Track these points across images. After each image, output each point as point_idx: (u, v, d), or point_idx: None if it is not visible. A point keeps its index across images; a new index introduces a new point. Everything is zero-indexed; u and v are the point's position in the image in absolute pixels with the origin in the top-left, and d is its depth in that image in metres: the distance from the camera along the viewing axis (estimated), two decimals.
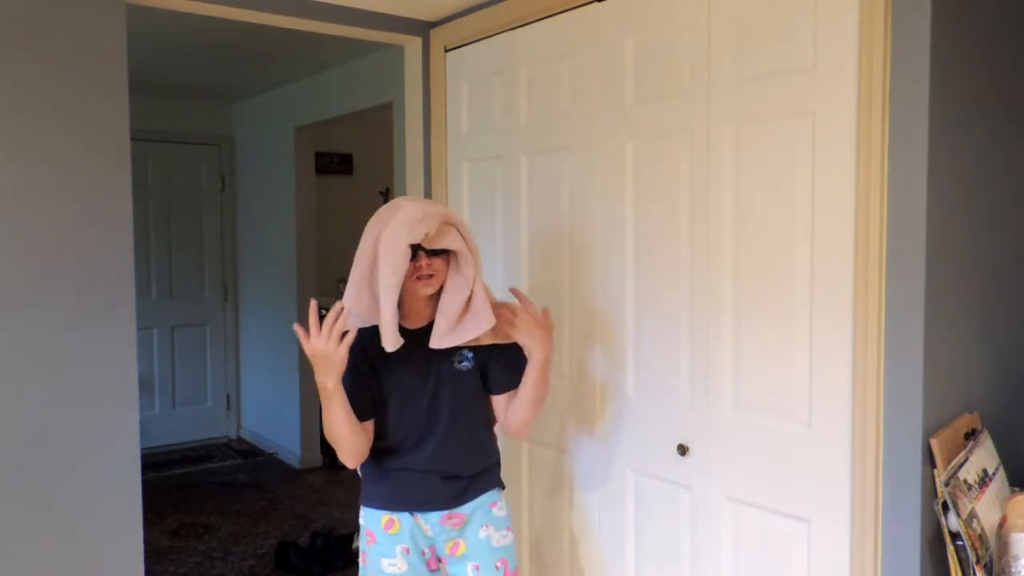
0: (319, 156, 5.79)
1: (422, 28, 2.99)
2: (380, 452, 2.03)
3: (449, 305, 1.91)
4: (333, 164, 6.39)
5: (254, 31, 3.37)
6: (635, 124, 2.25)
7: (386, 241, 1.81)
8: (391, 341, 1.85)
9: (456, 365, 2.00)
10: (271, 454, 5.67)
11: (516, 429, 2.06)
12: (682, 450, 2.15)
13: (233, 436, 6.09)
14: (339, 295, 6.16)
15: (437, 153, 2.98)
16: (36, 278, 2.27)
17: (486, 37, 2.76)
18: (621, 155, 2.29)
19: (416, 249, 1.84)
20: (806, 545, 1.90)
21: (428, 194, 3.03)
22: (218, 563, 3.89)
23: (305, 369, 5.36)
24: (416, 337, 1.95)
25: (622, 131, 2.28)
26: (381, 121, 4.79)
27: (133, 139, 2.42)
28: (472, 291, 1.91)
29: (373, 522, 2.06)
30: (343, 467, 5.43)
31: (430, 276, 1.88)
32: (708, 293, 2.08)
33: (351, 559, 3.87)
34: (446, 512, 2.03)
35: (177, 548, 4.06)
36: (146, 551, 2.54)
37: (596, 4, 2.35)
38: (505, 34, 2.68)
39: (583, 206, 2.43)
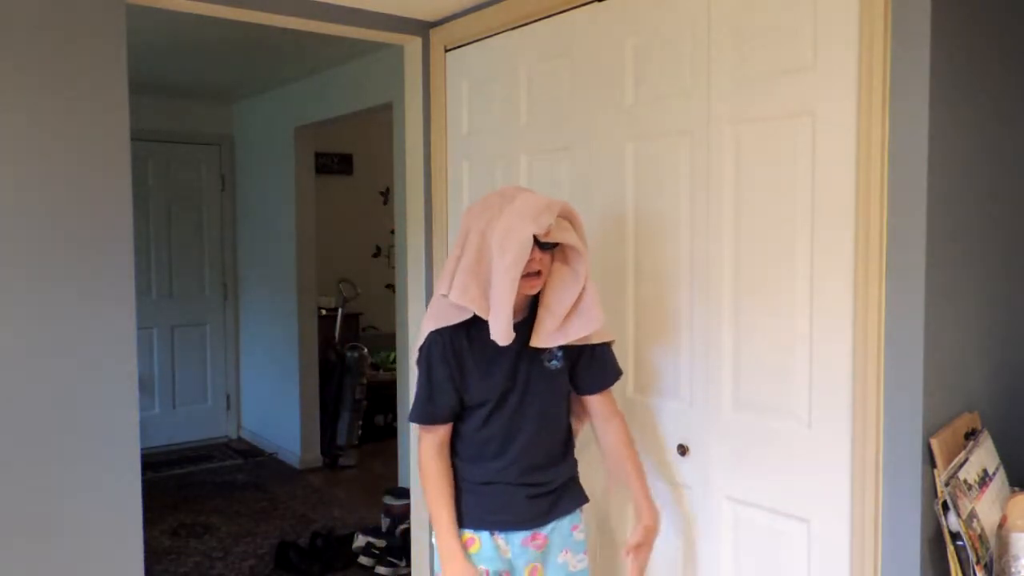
0: (319, 156, 5.80)
1: (422, 28, 2.99)
2: (460, 462, 1.91)
3: (558, 303, 1.80)
4: (333, 164, 6.40)
5: (254, 31, 3.37)
6: (635, 124, 2.25)
7: (505, 230, 1.69)
8: (504, 335, 1.71)
9: (546, 364, 1.88)
10: (271, 454, 5.67)
11: (598, 443, 2.04)
12: (682, 450, 2.15)
13: (233, 436, 6.09)
14: (339, 295, 6.09)
15: (437, 153, 2.98)
16: (36, 278, 2.27)
17: (486, 37, 2.76)
18: (621, 155, 2.29)
19: (532, 242, 1.72)
20: (806, 545, 1.90)
21: (428, 194, 3.03)
22: (218, 563, 3.89)
23: (305, 369, 5.37)
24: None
25: (622, 131, 2.28)
26: (381, 121, 4.79)
27: (133, 139, 2.42)
28: (583, 288, 1.80)
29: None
30: (343, 467, 5.43)
31: (538, 273, 1.77)
32: (708, 293, 2.08)
33: (351, 559, 3.88)
34: (530, 532, 1.90)
35: (177, 548, 4.06)
36: (146, 551, 2.53)
37: (596, 4, 2.35)
38: (505, 34, 2.68)
39: (583, 206, 2.42)
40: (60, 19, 2.26)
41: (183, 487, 5.01)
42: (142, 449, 2.50)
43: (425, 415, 1.86)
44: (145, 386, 5.58)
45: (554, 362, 1.89)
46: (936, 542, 1.71)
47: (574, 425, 2.08)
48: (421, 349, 1.88)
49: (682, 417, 2.16)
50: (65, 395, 2.31)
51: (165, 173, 5.71)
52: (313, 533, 4.03)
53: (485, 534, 1.89)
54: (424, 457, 1.87)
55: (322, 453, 5.47)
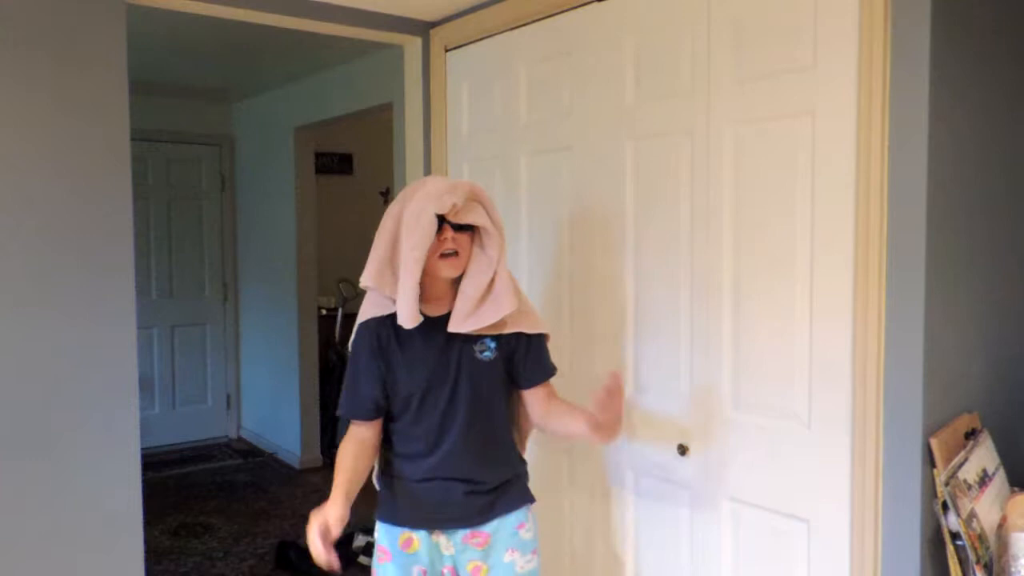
0: (319, 156, 5.79)
1: (422, 28, 2.99)
2: (397, 459, 1.90)
3: (471, 287, 1.79)
4: (333, 164, 6.39)
5: (254, 31, 3.37)
6: (635, 124, 2.25)
7: (411, 212, 1.71)
8: (409, 317, 1.72)
9: (477, 355, 1.85)
10: (271, 454, 5.66)
11: (545, 430, 1.98)
12: (682, 450, 2.15)
13: (233, 436, 6.09)
14: (339, 295, 6.09)
15: (437, 153, 2.98)
16: (36, 278, 2.27)
17: (486, 37, 2.76)
18: (621, 155, 2.29)
19: (441, 223, 1.73)
20: (806, 545, 1.90)
21: None
22: (218, 563, 3.89)
23: (305, 369, 5.37)
24: (435, 325, 1.82)
25: (622, 131, 2.28)
26: (381, 121, 4.78)
27: (133, 139, 2.42)
28: (495, 272, 1.80)
29: (389, 539, 1.91)
30: None
31: (455, 253, 1.76)
32: (708, 293, 2.08)
33: (351, 559, 3.87)
34: (470, 530, 1.89)
35: (177, 548, 4.06)
36: (146, 551, 2.53)
37: (596, 4, 2.35)
38: (505, 34, 2.68)
39: (583, 206, 2.43)
40: (60, 19, 2.27)
41: (183, 487, 5.01)
42: (142, 449, 2.50)
43: (347, 407, 1.87)
44: (145, 386, 5.57)
45: (486, 353, 1.86)
46: (936, 542, 1.71)
47: (522, 423, 2.04)
48: (352, 341, 1.89)
49: (682, 417, 2.16)
50: (65, 395, 2.31)
51: (165, 173, 5.71)
52: None
53: (423, 533, 1.89)
54: (341, 447, 1.87)
55: (322, 453, 5.47)
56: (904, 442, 1.70)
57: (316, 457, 5.45)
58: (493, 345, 1.87)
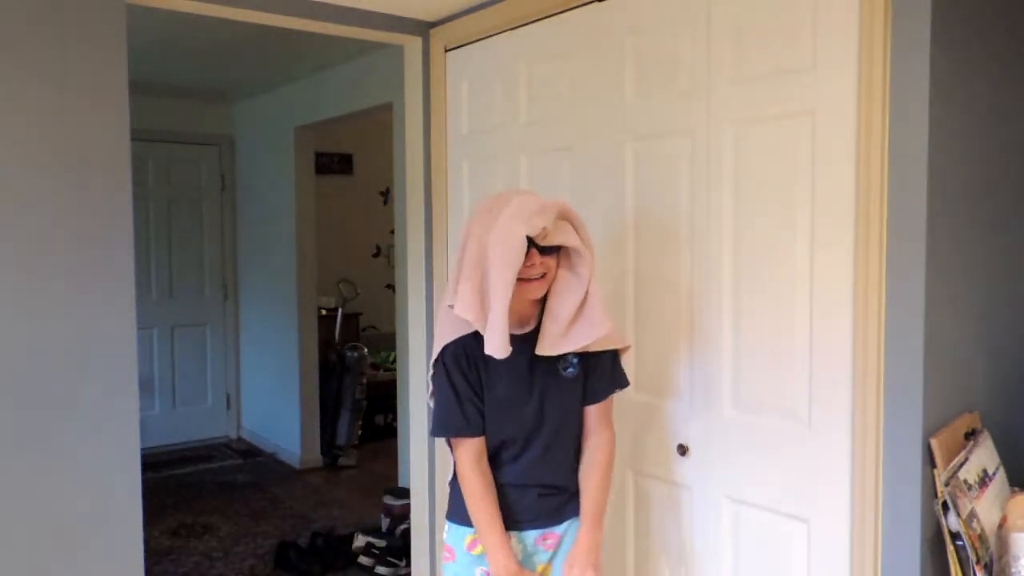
0: (319, 156, 5.79)
1: (422, 28, 2.99)
2: None
3: (561, 308, 1.74)
4: (333, 164, 6.39)
5: (254, 31, 3.37)
6: (635, 124, 2.25)
7: (499, 234, 1.65)
8: (500, 348, 1.67)
9: (562, 372, 1.84)
10: (271, 454, 5.66)
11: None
12: (682, 450, 2.15)
13: (233, 436, 6.09)
14: (339, 295, 6.08)
15: (437, 153, 2.98)
16: (36, 278, 2.27)
17: (486, 37, 2.76)
18: (621, 155, 2.29)
19: (529, 245, 1.67)
20: (806, 545, 1.90)
21: (428, 194, 3.03)
22: (218, 563, 3.89)
23: (305, 369, 5.37)
24: (520, 343, 1.78)
25: (622, 131, 2.28)
26: (381, 121, 4.79)
27: (133, 139, 2.42)
28: (587, 292, 1.75)
29: (456, 539, 1.90)
30: (343, 467, 5.43)
31: (542, 276, 1.72)
32: (708, 293, 2.08)
33: (351, 559, 3.88)
34: (543, 532, 1.89)
35: (177, 548, 4.06)
36: (146, 551, 2.53)
37: (596, 4, 2.35)
38: (505, 34, 2.68)
39: (583, 206, 2.42)
40: (60, 19, 2.26)
41: (183, 487, 5.01)
42: (142, 449, 2.50)
43: (457, 427, 1.81)
44: (145, 386, 5.57)
45: (570, 370, 1.85)
46: (936, 542, 1.71)
47: None
48: (436, 363, 1.83)
49: (682, 417, 2.16)
50: (65, 395, 2.31)
51: (165, 173, 5.71)
52: (313, 533, 4.03)
53: None
54: (463, 469, 1.83)
55: (322, 453, 5.47)
56: (904, 442, 1.70)
57: (316, 457, 5.45)
58: (576, 361, 1.85)
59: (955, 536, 1.65)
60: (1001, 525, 1.72)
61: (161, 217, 5.71)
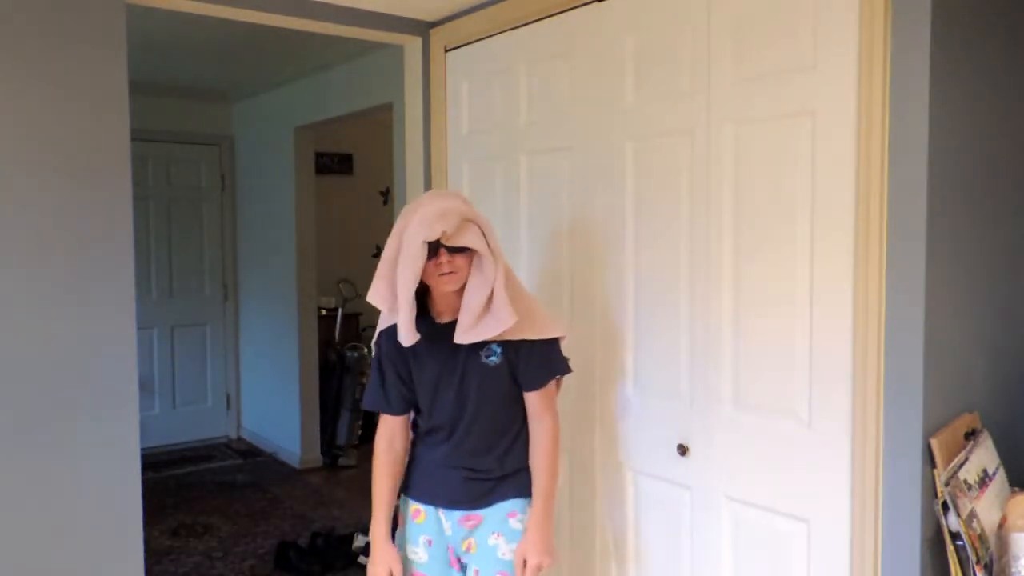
0: (319, 156, 5.79)
1: (422, 28, 2.99)
2: (419, 440, 2.09)
3: (471, 301, 1.91)
4: (333, 164, 6.39)
5: (254, 31, 3.37)
6: (635, 124, 2.25)
7: (407, 237, 1.84)
8: (406, 336, 1.88)
9: (483, 359, 1.99)
10: (271, 454, 5.66)
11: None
12: (682, 450, 2.15)
13: (233, 436, 6.09)
14: (339, 295, 6.08)
15: (437, 153, 2.98)
16: (36, 278, 2.27)
17: (486, 37, 2.76)
18: (621, 155, 2.29)
19: (438, 246, 1.85)
20: (806, 545, 1.90)
21: None
22: (218, 563, 3.89)
23: (305, 369, 5.37)
24: (445, 332, 1.96)
25: (622, 131, 2.28)
26: (381, 121, 4.78)
27: (133, 139, 2.42)
28: (492, 290, 1.90)
29: (404, 508, 2.10)
30: (343, 467, 5.43)
31: (451, 273, 1.89)
32: (708, 293, 2.08)
33: (351, 559, 3.87)
34: (466, 513, 2.02)
35: (177, 548, 4.06)
36: (146, 551, 2.53)
37: (596, 4, 2.35)
38: (505, 34, 2.68)
39: (583, 206, 2.43)
40: (60, 19, 2.27)
41: (183, 487, 5.01)
42: (142, 449, 2.50)
43: (377, 404, 2.05)
44: (145, 386, 5.57)
45: (492, 358, 1.99)
46: (936, 542, 1.71)
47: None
48: (374, 345, 2.08)
49: (682, 417, 2.16)
50: (65, 395, 2.31)
51: (165, 173, 5.71)
52: (313, 533, 4.03)
53: (431, 508, 2.06)
54: (376, 445, 2.06)
55: (322, 453, 5.46)
56: (904, 442, 1.70)
57: (316, 457, 5.45)
58: (499, 350, 1.99)
59: (955, 536, 1.65)
60: (1001, 525, 1.72)
61: (161, 217, 5.70)
